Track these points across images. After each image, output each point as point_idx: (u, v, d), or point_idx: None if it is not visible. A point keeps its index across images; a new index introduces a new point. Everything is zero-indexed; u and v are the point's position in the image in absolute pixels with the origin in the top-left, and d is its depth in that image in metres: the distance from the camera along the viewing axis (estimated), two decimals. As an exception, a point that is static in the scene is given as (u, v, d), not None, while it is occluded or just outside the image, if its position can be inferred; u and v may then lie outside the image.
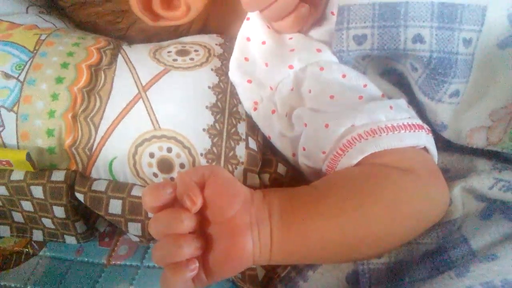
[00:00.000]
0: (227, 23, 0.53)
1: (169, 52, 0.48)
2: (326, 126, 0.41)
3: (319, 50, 0.43)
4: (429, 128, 0.42)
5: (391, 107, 0.41)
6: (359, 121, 0.40)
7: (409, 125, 0.40)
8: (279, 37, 0.46)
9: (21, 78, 0.44)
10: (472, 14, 0.40)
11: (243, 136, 0.45)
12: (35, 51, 0.45)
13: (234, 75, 0.46)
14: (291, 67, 0.43)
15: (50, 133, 0.43)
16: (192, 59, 0.47)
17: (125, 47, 0.50)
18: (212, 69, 0.47)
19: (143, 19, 0.49)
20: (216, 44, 0.50)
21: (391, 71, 0.46)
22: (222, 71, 0.47)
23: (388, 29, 0.40)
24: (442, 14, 0.39)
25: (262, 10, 0.44)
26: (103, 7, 0.50)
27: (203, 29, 0.53)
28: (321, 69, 0.43)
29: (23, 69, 0.44)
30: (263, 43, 0.46)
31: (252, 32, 0.47)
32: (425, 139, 0.41)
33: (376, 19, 0.40)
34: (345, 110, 0.41)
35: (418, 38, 0.39)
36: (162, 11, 0.48)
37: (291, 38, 0.46)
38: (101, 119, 0.43)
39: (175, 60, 0.47)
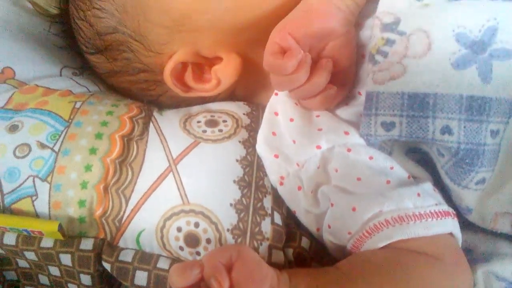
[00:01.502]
0: (255, 92, 0.54)
1: (198, 122, 0.49)
2: (353, 209, 0.41)
3: (346, 133, 0.44)
4: (454, 212, 0.43)
5: (418, 195, 0.41)
6: (386, 207, 0.41)
7: (436, 212, 0.41)
8: (306, 114, 0.48)
9: (56, 148, 0.45)
10: (501, 107, 0.40)
11: (269, 211, 0.46)
12: (70, 120, 0.47)
13: (262, 148, 0.47)
14: (318, 147, 0.44)
15: (81, 203, 0.44)
16: (220, 130, 0.49)
17: (156, 114, 0.51)
18: (239, 141, 0.48)
19: (175, 90, 0.50)
20: (244, 114, 0.51)
21: (416, 149, 0.47)
22: (250, 143, 0.48)
23: (417, 119, 0.41)
24: (471, 107, 0.40)
25: (291, 90, 0.46)
26: (137, 76, 0.51)
27: (231, 96, 0.54)
28: (348, 150, 0.44)
29: (58, 139, 0.46)
30: (291, 120, 0.47)
31: (280, 108, 0.48)
32: (451, 225, 0.42)
33: (405, 108, 0.41)
34: (372, 194, 0.42)
35: (447, 130, 0.40)
36: (194, 84, 0.50)
37: (318, 116, 0.47)
38: (132, 192, 0.44)
39: (204, 131, 0.48)
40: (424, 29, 0.41)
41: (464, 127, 0.40)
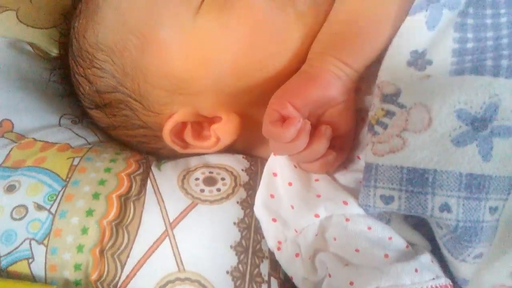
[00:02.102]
0: (254, 146, 0.54)
1: (196, 179, 0.49)
2: (351, 283, 0.41)
3: (345, 203, 0.44)
4: (451, 284, 0.43)
5: (416, 270, 0.41)
6: (384, 283, 0.40)
7: (433, 287, 0.41)
8: (305, 177, 0.47)
9: (53, 210, 0.45)
10: (500, 185, 0.40)
11: (265, 278, 0.45)
12: (67, 179, 0.47)
13: (259, 211, 0.47)
14: (317, 216, 0.44)
15: (77, 267, 0.44)
16: (218, 189, 0.48)
17: (154, 169, 0.51)
18: (237, 202, 0.48)
19: (173, 147, 0.50)
20: (242, 170, 0.51)
21: (415, 216, 0.46)
22: (248, 203, 0.48)
23: (416, 195, 0.40)
24: (470, 185, 0.40)
25: (290, 155, 0.46)
26: (136, 131, 0.51)
27: (230, 148, 0.54)
28: (347, 220, 0.44)
29: (55, 200, 0.46)
30: (290, 184, 0.47)
31: (279, 169, 0.48)
32: None
33: (404, 183, 0.41)
34: (370, 268, 0.41)
35: (446, 207, 0.40)
36: (193, 141, 0.50)
37: (317, 180, 0.47)
38: (127, 257, 0.44)
39: (202, 190, 0.48)
40: (424, 103, 0.41)
41: (463, 205, 0.40)
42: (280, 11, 0.45)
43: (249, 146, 0.54)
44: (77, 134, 0.54)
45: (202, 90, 0.47)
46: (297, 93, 0.43)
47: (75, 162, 0.49)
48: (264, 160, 0.51)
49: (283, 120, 0.43)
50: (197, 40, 0.45)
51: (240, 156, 0.53)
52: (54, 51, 0.60)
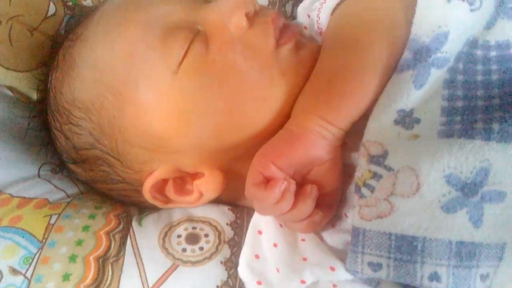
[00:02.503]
0: (239, 197, 0.52)
1: (179, 236, 0.47)
2: None
3: (332, 268, 0.42)
4: None
5: None
6: None
7: None
8: (291, 237, 0.45)
9: (29, 274, 0.43)
10: (491, 252, 0.38)
11: None
12: (44, 240, 0.45)
13: (244, 273, 0.45)
14: (303, 282, 0.42)
15: (52, 336, 0.42)
16: (201, 248, 0.46)
17: (134, 224, 0.49)
18: (221, 262, 0.46)
19: (154, 203, 0.48)
20: (227, 224, 0.49)
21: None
22: (232, 263, 0.46)
23: (405, 263, 0.39)
24: (460, 253, 0.38)
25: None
26: (116, 185, 0.49)
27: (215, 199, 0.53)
28: (334, 286, 0.42)
29: (31, 264, 0.44)
30: (275, 245, 0.45)
31: (264, 227, 0.46)
32: None
33: (392, 250, 0.39)
34: None
35: (435, 277, 0.38)
36: (175, 196, 0.48)
37: (303, 240, 0.45)
38: (105, 326, 0.42)
39: (184, 250, 0.46)
40: (412, 167, 0.39)
41: (453, 274, 0.38)
42: (262, 71, 0.44)
43: (235, 197, 0.52)
44: (56, 187, 0.52)
45: (182, 149, 0.45)
46: (281, 153, 0.42)
47: (52, 221, 0.47)
48: (251, 210, 0.50)
49: (267, 181, 0.42)
50: (176, 101, 0.43)
51: (225, 208, 0.52)
52: (35, 96, 0.58)
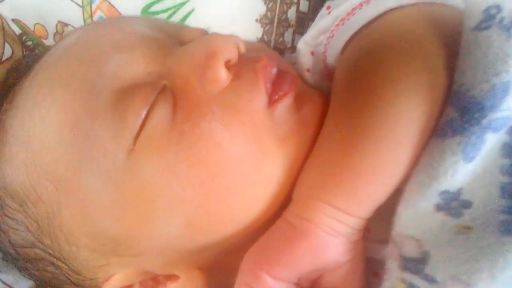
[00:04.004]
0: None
1: None
2: None
3: None
4: None
5: None
6: None
7: None
8: None
9: None
10: None
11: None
12: None
13: None
14: None
15: None
16: None
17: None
18: None
19: None
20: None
21: None
22: None
23: None
24: None
25: None
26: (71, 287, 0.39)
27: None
28: None
29: None
30: None
31: None
32: None
33: None
34: None
35: None
36: None
37: None
38: None
39: None
40: (464, 279, 0.27)
41: None
42: (250, 142, 0.32)
43: None
44: (4, 283, 0.41)
45: (146, 252, 0.34)
46: (278, 259, 0.30)
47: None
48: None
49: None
50: (132, 190, 0.32)
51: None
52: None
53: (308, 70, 0.40)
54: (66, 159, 0.32)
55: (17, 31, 0.55)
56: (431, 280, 0.28)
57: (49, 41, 0.55)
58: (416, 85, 0.31)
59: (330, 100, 0.35)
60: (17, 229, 0.35)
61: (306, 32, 0.43)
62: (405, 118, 0.30)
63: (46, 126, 0.32)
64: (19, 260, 0.37)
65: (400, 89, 0.31)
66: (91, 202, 0.32)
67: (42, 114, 0.33)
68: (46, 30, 0.55)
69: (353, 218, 0.30)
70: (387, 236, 0.32)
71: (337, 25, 0.37)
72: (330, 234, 0.30)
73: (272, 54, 0.38)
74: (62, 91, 0.32)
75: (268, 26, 0.51)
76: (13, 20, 0.54)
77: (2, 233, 0.36)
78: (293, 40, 0.51)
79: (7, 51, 0.54)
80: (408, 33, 0.32)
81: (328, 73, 0.39)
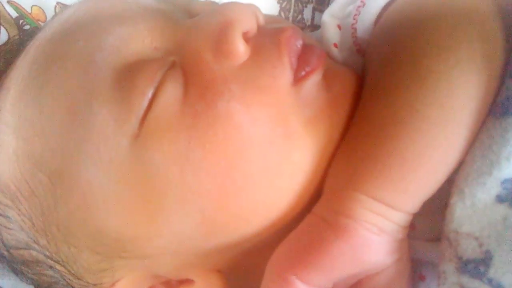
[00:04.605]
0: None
1: None
2: None
3: None
4: None
5: None
6: None
7: None
8: None
9: None
10: None
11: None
12: None
13: None
14: None
15: None
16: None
17: None
18: None
19: None
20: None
21: None
22: None
23: None
24: None
25: None
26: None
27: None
28: None
29: None
30: None
31: None
32: None
33: None
34: None
35: None
36: None
37: None
38: None
39: None
40: None
41: None
42: (274, 124, 0.27)
43: None
44: (0, 288, 0.38)
45: (156, 253, 0.29)
46: (311, 262, 0.26)
47: None
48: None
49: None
50: (139, 181, 0.27)
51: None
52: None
53: (335, 45, 0.35)
54: (61, 147, 0.27)
55: (14, 14, 0.51)
56: (496, 285, 0.23)
57: (48, 24, 0.51)
58: (471, 55, 0.26)
59: (363, 78, 0.31)
60: (10, 228, 0.31)
61: (326, 9, 0.39)
62: (459, 93, 0.26)
63: (38, 110, 0.28)
64: (14, 263, 0.33)
65: (453, 59, 0.26)
66: (91, 197, 0.27)
67: (34, 95, 0.28)
68: (44, 13, 0.51)
69: (399, 212, 0.26)
70: (436, 234, 0.28)
71: None
72: (373, 232, 0.25)
73: (295, 27, 0.34)
74: (57, 68, 0.28)
75: (285, 3, 0.46)
76: (8, 2, 0.50)
77: (-5, 231, 0.32)
78: (312, 17, 0.47)
79: (3, 36, 0.51)
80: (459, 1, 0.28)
81: (359, 48, 0.34)
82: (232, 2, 0.30)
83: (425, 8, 0.29)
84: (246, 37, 0.28)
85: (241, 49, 0.28)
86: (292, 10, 0.46)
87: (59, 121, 0.27)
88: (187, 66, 0.28)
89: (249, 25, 0.28)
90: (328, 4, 0.47)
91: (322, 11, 0.46)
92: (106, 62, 0.27)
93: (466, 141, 0.26)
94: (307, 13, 0.46)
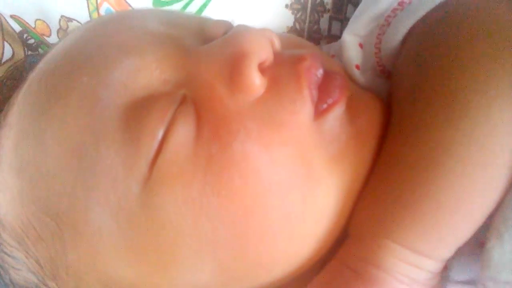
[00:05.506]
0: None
1: None
2: None
3: None
4: None
5: None
6: None
7: None
8: None
9: None
10: None
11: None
12: None
13: None
14: None
15: None
16: None
17: None
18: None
19: None
20: None
21: None
22: None
23: None
24: None
25: None
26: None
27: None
28: None
29: None
30: None
31: None
32: None
33: None
34: None
35: None
36: None
37: None
38: None
39: None
40: None
41: None
42: (298, 165, 0.25)
43: None
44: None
45: None
46: None
47: None
48: None
49: None
50: (150, 229, 0.25)
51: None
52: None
53: (357, 66, 0.33)
54: (68, 191, 0.26)
55: (17, 28, 0.49)
56: None
57: (53, 39, 0.48)
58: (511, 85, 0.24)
59: (388, 103, 0.29)
60: (18, 269, 0.30)
61: (344, 17, 0.36)
62: (499, 131, 0.23)
63: (42, 151, 0.26)
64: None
65: (494, 91, 0.24)
66: (100, 243, 0.26)
67: (37, 135, 0.27)
68: (49, 27, 0.49)
69: (433, 261, 0.24)
70: (472, 276, 0.26)
71: (394, 10, 0.30)
72: (405, 284, 0.24)
73: (314, 50, 0.31)
74: (60, 107, 0.26)
75: (300, 13, 0.44)
76: (11, 16, 0.48)
77: (2, 270, 0.31)
78: (329, 27, 0.44)
79: (7, 52, 0.49)
80: (500, 20, 0.25)
81: (382, 69, 0.32)
82: (246, 29, 0.27)
83: (460, 28, 0.26)
84: (262, 68, 0.26)
85: (257, 83, 0.26)
86: (307, 21, 0.43)
87: (64, 164, 0.26)
88: (199, 101, 0.26)
89: (265, 54, 0.26)
90: (345, 13, 0.44)
91: (339, 20, 0.44)
92: (112, 100, 0.25)
93: (506, 182, 0.23)
94: (324, 23, 0.44)
